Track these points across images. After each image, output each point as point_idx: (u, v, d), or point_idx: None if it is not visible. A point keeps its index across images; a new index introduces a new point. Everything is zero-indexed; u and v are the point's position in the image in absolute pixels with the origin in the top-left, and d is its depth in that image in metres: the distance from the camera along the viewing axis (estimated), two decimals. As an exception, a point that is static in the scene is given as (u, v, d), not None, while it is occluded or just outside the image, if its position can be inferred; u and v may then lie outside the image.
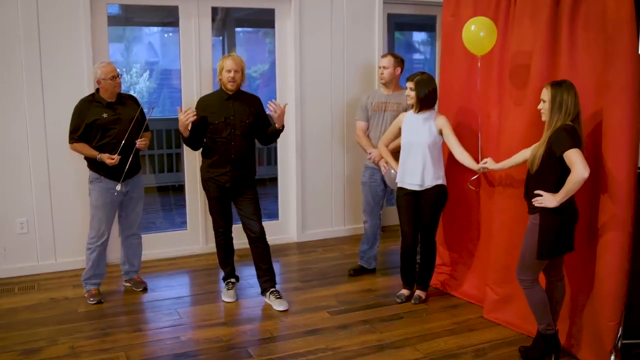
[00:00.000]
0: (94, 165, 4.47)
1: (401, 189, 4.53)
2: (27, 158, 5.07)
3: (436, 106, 4.53)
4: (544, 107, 3.49)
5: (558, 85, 3.44)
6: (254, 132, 4.50)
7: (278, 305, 4.50)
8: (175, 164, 8.19)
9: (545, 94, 3.47)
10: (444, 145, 4.46)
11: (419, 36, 9.14)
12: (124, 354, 3.82)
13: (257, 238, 4.52)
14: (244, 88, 4.55)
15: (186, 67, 5.63)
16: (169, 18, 7.32)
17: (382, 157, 4.81)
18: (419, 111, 4.40)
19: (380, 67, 5.04)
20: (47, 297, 4.73)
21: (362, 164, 5.29)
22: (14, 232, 5.12)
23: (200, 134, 4.43)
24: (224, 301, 4.66)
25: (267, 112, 4.48)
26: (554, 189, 3.40)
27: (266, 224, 4.65)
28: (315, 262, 5.59)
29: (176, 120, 4.44)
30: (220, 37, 8.20)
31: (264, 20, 7.61)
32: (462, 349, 3.89)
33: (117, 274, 5.05)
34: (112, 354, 3.82)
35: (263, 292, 4.65)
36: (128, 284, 4.95)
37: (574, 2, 3.69)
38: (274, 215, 6.33)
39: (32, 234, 5.18)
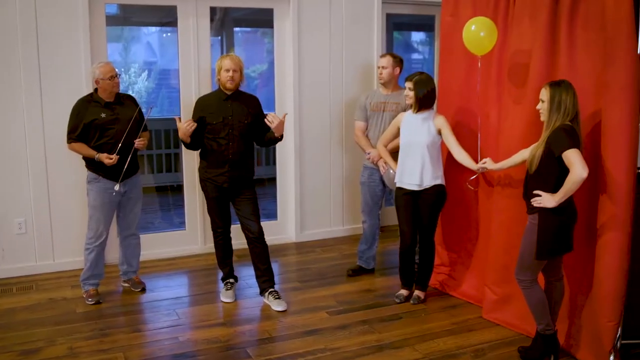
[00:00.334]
0: (92, 165, 4.46)
1: (400, 189, 4.52)
2: (25, 158, 5.06)
3: (435, 106, 4.53)
4: (542, 107, 3.49)
5: (557, 85, 3.44)
6: (252, 133, 4.50)
7: (277, 306, 4.50)
8: (173, 164, 8.19)
9: (544, 94, 3.47)
10: (443, 145, 4.45)
11: (417, 36, 9.14)
12: (123, 355, 3.81)
13: (256, 238, 4.52)
14: (243, 88, 4.55)
15: (184, 67, 5.62)
16: (167, 18, 7.32)
17: (380, 157, 4.81)
18: (417, 111, 4.40)
19: (379, 67, 5.04)
20: (45, 298, 4.72)
21: (360, 164, 5.29)
22: (12, 232, 5.11)
23: (199, 134, 4.42)
24: (222, 301, 4.66)
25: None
26: (553, 189, 3.40)
27: (265, 224, 4.65)
28: (314, 262, 5.59)
29: (174, 120, 4.43)
30: (219, 37, 8.19)
31: (262, 20, 7.62)
32: (461, 349, 3.89)
33: (116, 274, 5.05)
34: (110, 354, 3.82)
35: (262, 293, 4.64)
36: (126, 285, 4.94)
37: (573, 2, 3.69)
38: (272, 215, 6.33)
39: (30, 234, 5.17)
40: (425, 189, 4.41)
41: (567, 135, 3.33)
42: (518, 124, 3.99)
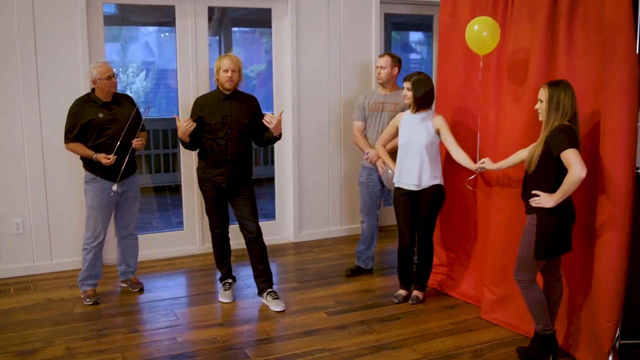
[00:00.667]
0: (90, 165, 4.45)
1: (398, 189, 4.52)
2: (23, 158, 5.05)
3: (433, 106, 4.52)
4: (541, 107, 3.48)
5: (555, 85, 3.43)
6: (251, 133, 4.49)
7: (275, 306, 4.49)
8: (171, 164, 8.18)
9: (543, 93, 3.47)
10: (442, 145, 4.45)
11: (415, 36, 9.14)
12: (121, 355, 3.80)
13: (254, 238, 4.51)
14: (241, 88, 4.54)
15: (183, 67, 5.61)
16: (165, 18, 7.31)
17: (379, 157, 4.81)
18: (416, 111, 4.39)
19: (377, 67, 5.03)
20: (43, 298, 4.71)
21: (359, 164, 5.28)
22: (9, 233, 5.10)
23: (198, 134, 4.41)
24: (220, 302, 4.65)
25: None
26: (552, 189, 3.40)
27: (263, 224, 4.64)
28: (313, 263, 5.58)
29: (173, 120, 4.42)
30: (217, 37, 8.18)
31: (260, 20, 7.61)
32: (460, 350, 3.89)
33: (114, 274, 5.04)
34: (108, 355, 3.81)
35: (260, 293, 4.64)
36: (124, 285, 4.93)
37: (572, 2, 3.69)
38: (270, 215, 6.32)
39: (28, 234, 5.16)
40: (424, 189, 4.41)
41: (565, 135, 3.33)
42: (517, 123, 3.99)
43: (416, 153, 4.36)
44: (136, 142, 4.46)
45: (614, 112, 3.44)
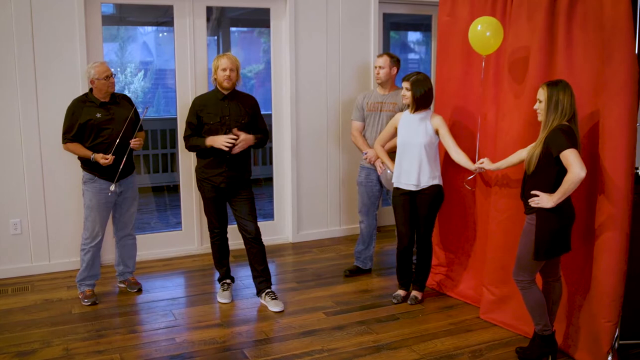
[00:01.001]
0: (88, 165, 4.44)
1: (397, 189, 4.51)
2: (21, 158, 5.04)
3: (432, 106, 4.51)
4: (540, 107, 3.48)
5: (554, 85, 3.43)
6: (250, 132, 4.48)
7: (273, 306, 4.48)
8: (170, 164, 8.16)
9: (541, 94, 3.46)
10: (441, 145, 4.44)
11: (414, 36, 9.13)
12: (119, 356, 3.79)
13: (253, 239, 4.50)
14: (239, 88, 4.54)
15: (181, 67, 5.60)
16: (163, 17, 7.31)
17: (378, 157, 4.80)
18: (415, 111, 4.39)
19: (376, 67, 5.02)
20: (41, 299, 4.70)
21: (357, 164, 5.28)
22: (7, 233, 5.08)
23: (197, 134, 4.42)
24: (219, 302, 4.64)
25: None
26: (551, 189, 3.39)
27: (261, 225, 4.63)
28: (311, 263, 5.58)
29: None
30: (215, 37, 8.17)
31: (259, 19, 7.61)
32: (459, 350, 3.88)
33: (112, 275, 5.03)
34: (106, 355, 3.80)
35: (258, 293, 4.63)
36: (123, 285, 4.92)
37: (571, 1, 3.68)
38: (269, 215, 6.31)
39: (26, 234, 5.14)
40: (423, 189, 4.40)
41: (564, 135, 3.33)
42: (516, 123, 3.98)
43: (415, 153, 4.36)
44: (134, 142, 4.45)
45: (613, 111, 3.44)
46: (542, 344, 3.65)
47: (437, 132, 4.37)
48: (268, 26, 5.99)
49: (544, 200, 3.40)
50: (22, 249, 5.15)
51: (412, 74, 4.38)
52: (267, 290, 4.58)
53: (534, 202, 3.44)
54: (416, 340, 4.02)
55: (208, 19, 5.71)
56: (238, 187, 4.49)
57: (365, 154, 4.95)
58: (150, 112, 4.95)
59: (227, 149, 4.27)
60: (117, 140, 4.37)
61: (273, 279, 4.71)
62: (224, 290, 4.70)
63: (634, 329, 3.77)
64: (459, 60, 4.56)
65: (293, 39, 5.89)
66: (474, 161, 4.22)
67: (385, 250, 5.84)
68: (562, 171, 3.34)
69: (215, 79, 4.40)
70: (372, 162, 4.92)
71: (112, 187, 4.41)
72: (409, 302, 4.61)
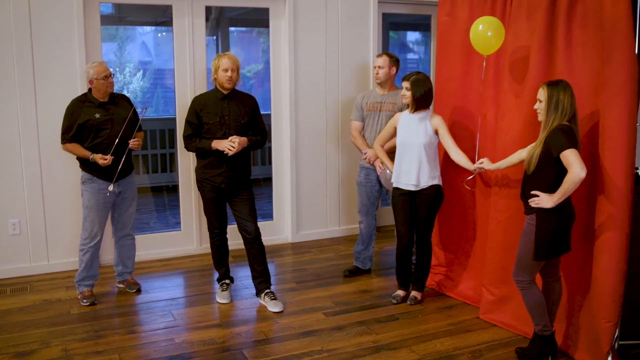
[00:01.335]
0: (87, 165, 4.44)
1: (397, 189, 4.51)
2: (20, 158, 5.03)
3: (432, 106, 4.51)
4: (540, 107, 3.48)
5: (554, 85, 3.42)
6: (249, 132, 4.48)
7: (273, 307, 4.48)
8: (169, 164, 8.15)
9: (542, 93, 3.46)
10: (440, 145, 4.44)
11: (413, 36, 9.13)
12: (118, 356, 3.78)
13: (253, 239, 4.49)
14: (238, 88, 4.53)
15: (180, 67, 5.59)
16: (162, 17, 7.29)
17: (377, 157, 4.79)
18: (414, 111, 4.38)
19: (375, 67, 5.02)
20: (39, 299, 4.69)
21: (357, 164, 5.27)
22: (6, 233, 5.07)
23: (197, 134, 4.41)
24: (218, 302, 4.63)
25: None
26: (551, 189, 3.39)
27: (261, 225, 4.62)
28: (310, 263, 5.57)
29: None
30: (214, 37, 8.16)
31: (258, 19, 7.60)
32: (459, 350, 3.88)
33: (111, 275, 5.02)
34: (105, 356, 3.79)
35: (258, 294, 4.62)
36: (122, 285, 4.92)
37: (571, 1, 3.68)
38: (268, 215, 6.31)
39: (25, 235, 5.13)
40: (422, 189, 4.40)
41: (565, 135, 3.32)
42: (515, 123, 3.98)
43: (414, 153, 4.35)
44: (133, 143, 4.45)
45: (614, 111, 3.44)
46: (542, 344, 3.64)
47: (436, 132, 4.37)
48: (267, 26, 5.98)
49: (544, 200, 3.39)
50: (20, 249, 5.14)
51: (412, 74, 4.37)
52: (266, 291, 4.57)
53: (534, 202, 3.44)
54: (416, 340, 4.02)
55: (207, 19, 5.71)
56: (238, 187, 4.48)
57: (365, 154, 4.95)
58: (149, 112, 4.94)
59: (230, 152, 4.27)
60: (116, 141, 4.36)
61: (272, 279, 4.70)
62: (223, 290, 4.70)
63: (634, 329, 3.76)
64: (458, 60, 4.56)
65: (292, 39, 5.88)
66: (473, 161, 4.21)
67: (385, 251, 5.84)
68: (562, 171, 3.34)
69: (216, 79, 4.39)
70: (371, 162, 4.91)
71: (111, 187, 4.40)
72: (408, 302, 4.60)
